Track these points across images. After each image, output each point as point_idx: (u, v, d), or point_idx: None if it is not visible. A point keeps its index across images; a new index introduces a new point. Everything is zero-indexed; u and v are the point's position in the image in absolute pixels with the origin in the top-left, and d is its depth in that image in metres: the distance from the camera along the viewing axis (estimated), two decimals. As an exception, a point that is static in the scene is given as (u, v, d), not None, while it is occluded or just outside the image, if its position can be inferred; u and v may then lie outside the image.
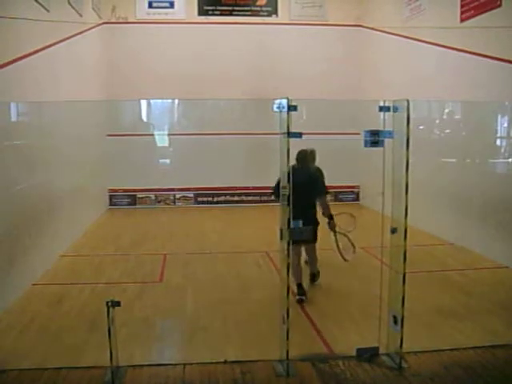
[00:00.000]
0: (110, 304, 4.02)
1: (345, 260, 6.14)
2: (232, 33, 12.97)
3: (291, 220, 4.64)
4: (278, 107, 4.19)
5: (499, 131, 8.06)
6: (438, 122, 10.04)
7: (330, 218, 6.17)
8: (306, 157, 6.24)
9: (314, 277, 6.58)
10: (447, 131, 9.58)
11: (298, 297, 5.90)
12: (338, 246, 6.14)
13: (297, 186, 5.71)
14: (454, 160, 9.04)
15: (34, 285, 6.57)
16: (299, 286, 6.04)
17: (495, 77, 7.67)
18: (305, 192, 5.76)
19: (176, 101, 13.27)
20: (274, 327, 4.65)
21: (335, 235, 6.17)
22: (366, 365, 4.40)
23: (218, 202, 13.19)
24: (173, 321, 5.63)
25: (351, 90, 12.86)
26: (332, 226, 6.18)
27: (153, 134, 12.91)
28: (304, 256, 6.60)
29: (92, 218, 10.96)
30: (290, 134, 4.09)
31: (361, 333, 5.03)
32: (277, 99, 4.22)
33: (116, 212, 12.35)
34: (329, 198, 6.50)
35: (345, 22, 13.27)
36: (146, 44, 12.80)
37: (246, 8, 13.18)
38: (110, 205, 12.86)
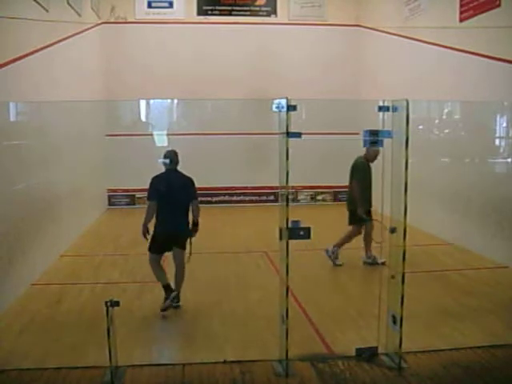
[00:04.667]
0: (109, 304, 4.02)
1: (189, 258, 5.85)
2: (231, 33, 12.96)
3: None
4: (278, 107, 4.19)
5: (498, 131, 8.06)
6: (437, 121, 10.04)
7: (197, 223, 5.87)
8: (176, 158, 5.87)
9: (176, 298, 5.72)
10: (446, 131, 9.59)
11: (167, 302, 5.57)
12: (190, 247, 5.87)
13: (170, 190, 5.61)
14: (453, 160, 9.04)
15: (33, 285, 6.57)
16: (166, 287, 5.71)
17: (494, 77, 7.67)
18: (178, 196, 5.69)
19: (175, 101, 13.26)
20: (273, 327, 4.66)
21: (190, 238, 5.86)
22: (365, 365, 4.40)
23: (217, 202, 13.19)
24: (172, 321, 5.63)
25: (350, 89, 12.88)
26: (195, 230, 5.89)
27: (152, 134, 12.90)
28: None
29: (91, 218, 10.96)
30: (289, 134, 4.09)
31: (360, 333, 5.03)
32: (276, 99, 4.22)
33: (115, 212, 12.34)
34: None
35: (344, 21, 13.28)
36: (145, 44, 12.80)
37: (245, 8, 13.18)
38: (109, 205, 12.86)
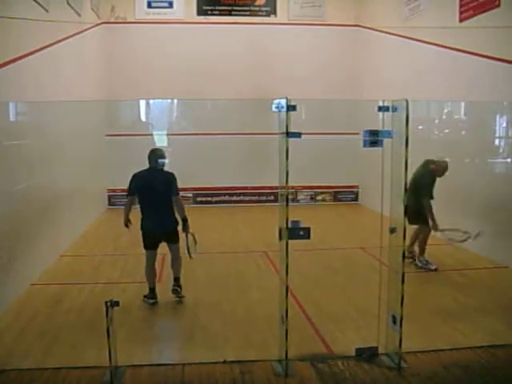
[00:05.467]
0: (109, 304, 4.02)
1: (190, 257, 5.97)
2: (231, 33, 12.96)
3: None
4: (277, 107, 4.20)
5: (498, 131, 8.06)
6: (437, 121, 10.04)
7: (185, 219, 5.97)
8: (162, 157, 5.95)
9: (177, 282, 6.01)
10: (446, 131, 9.59)
11: (151, 300, 5.89)
12: (188, 245, 5.95)
13: (153, 188, 5.70)
14: (452, 159, 9.02)
15: (33, 285, 6.57)
16: (151, 290, 5.96)
17: (494, 77, 7.67)
18: (162, 193, 5.79)
19: (175, 101, 13.27)
20: (273, 327, 4.67)
21: (187, 236, 5.96)
22: (365, 365, 4.40)
23: (217, 202, 13.20)
24: (172, 321, 5.63)
25: (350, 89, 12.88)
26: (186, 227, 5.98)
27: (152, 134, 12.90)
28: None
29: (91, 218, 10.96)
30: (289, 134, 4.09)
31: (360, 333, 5.04)
32: (276, 99, 4.23)
33: (115, 212, 12.28)
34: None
35: (344, 21, 13.27)
36: (144, 44, 12.79)
37: (244, 8, 13.18)
38: (109, 205, 12.86)
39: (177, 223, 5.98)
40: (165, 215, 5.87)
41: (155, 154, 5.91)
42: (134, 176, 5.95)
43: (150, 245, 5.98)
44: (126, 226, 6.04)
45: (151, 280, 6.01)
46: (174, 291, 5.97)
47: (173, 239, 5.99)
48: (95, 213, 11.58)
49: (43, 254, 7.24)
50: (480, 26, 7.96)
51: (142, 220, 5.90)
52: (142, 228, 5.91)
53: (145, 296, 5.97)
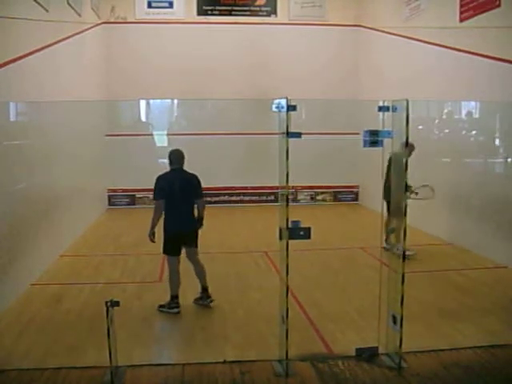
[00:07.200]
0: (109, 304, 4.02)
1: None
2: (231, 33, 12.96)
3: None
4: (277, 107, 4.20)
5: (499, 131, 8.06)
6: (437, 121, 10.04)
7: (202, 218, 5.90)
8: (181, 157, 5.86)
9: (205, 291, 5.87)
10: (446, 131, 9.59)
11: (175, 310, 5.63)
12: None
13: (178, 190, 5.62)
14: (452, 159, 9.04)
15: (33, 285, 6.57)
16: (174, 297, 5.71)
17: (494, 77, 7.67)
18: (185, 195, 5.70)
19: (175, 101, 13.28)
20: (273, 327, 4.68)
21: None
22: (365, 365, 4.40)
23: (216, 202, 13.18)
24: (172, 321, 5.63)
25: (350, 89, 12.89)
26: (200, 225, 5.93)
27: (152, 134, 12.91)
28: None
29: (91, 218, 10.95)
30: (289, 134, 4.09)
31: (360, 333, 5.03)
32: (276, 99, 4.23)
33: (115, 212, 12.34)
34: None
35: (344, 21, 13.26)
36: (145, 44, 12.78)
37: (245, 8, 13.17)
38: (109, 205, 12.85)
39: (197, 226, 5.91)
40: (188, 217, 5.79)
41: (174, 156, 5.84)
42: (159, 179, 5.77)
43: (173, 249, 5.75)
44: (151, 239, 5.72)
45: (176, 287, 5.75)
46: (202, 299, 5.85)
47: (193, 242, 5.86)
48: (95, 213, 11.58)
49: (43, 254, 7.24)
50: (480, 26, 7.96)
51: (166, 222, 5.71)
52: (165, 230, 5.70)
53: (161, 306, 5.71)
